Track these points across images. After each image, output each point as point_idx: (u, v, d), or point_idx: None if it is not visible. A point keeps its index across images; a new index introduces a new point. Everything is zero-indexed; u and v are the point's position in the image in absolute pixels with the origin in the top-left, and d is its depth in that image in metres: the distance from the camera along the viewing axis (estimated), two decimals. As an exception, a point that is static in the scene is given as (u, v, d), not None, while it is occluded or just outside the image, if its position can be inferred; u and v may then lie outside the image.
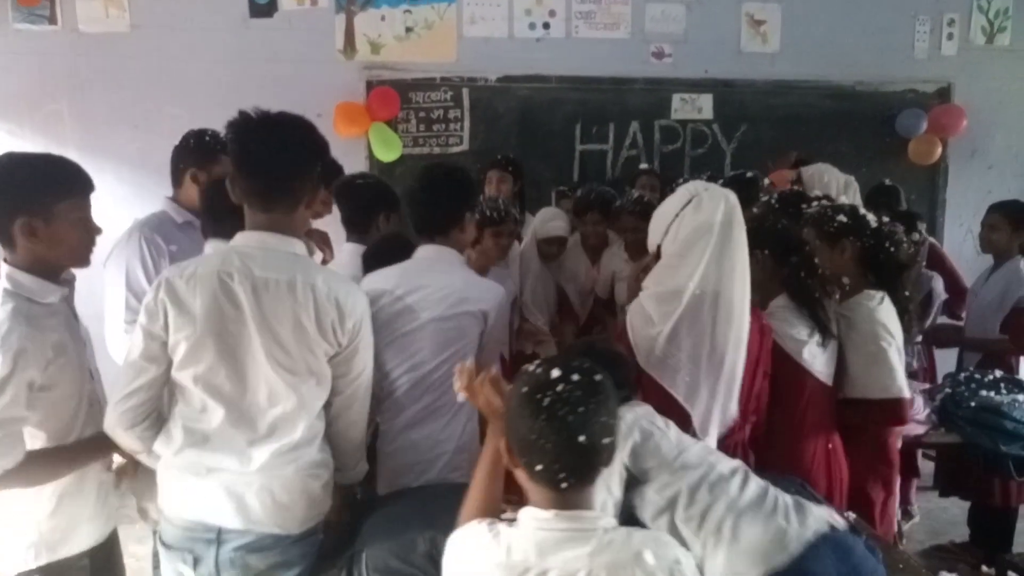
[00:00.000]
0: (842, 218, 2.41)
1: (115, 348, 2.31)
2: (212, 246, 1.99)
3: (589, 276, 3.55)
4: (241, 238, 1.66)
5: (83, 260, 1.73)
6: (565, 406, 1.25)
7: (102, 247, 1.87)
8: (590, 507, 1.31)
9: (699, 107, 4.57)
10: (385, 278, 2.07)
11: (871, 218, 2.44)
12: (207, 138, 2.50)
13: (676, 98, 4.55)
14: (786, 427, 2.20)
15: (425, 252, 2.13)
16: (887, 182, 3.84)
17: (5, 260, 1.66)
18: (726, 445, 2.06)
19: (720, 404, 1.99)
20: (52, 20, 4.08)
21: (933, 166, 4.72)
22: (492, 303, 2.09)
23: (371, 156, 4.31)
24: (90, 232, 1.73)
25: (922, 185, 4.69)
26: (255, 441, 1.62)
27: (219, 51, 4.15)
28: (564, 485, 1.27)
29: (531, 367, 1.35)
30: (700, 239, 1.96)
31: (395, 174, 4.38)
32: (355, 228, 2.65)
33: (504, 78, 4.39)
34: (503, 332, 2.37)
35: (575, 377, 1.28)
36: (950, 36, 4.72)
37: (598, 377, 1.31)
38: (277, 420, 1.63)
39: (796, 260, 2.25)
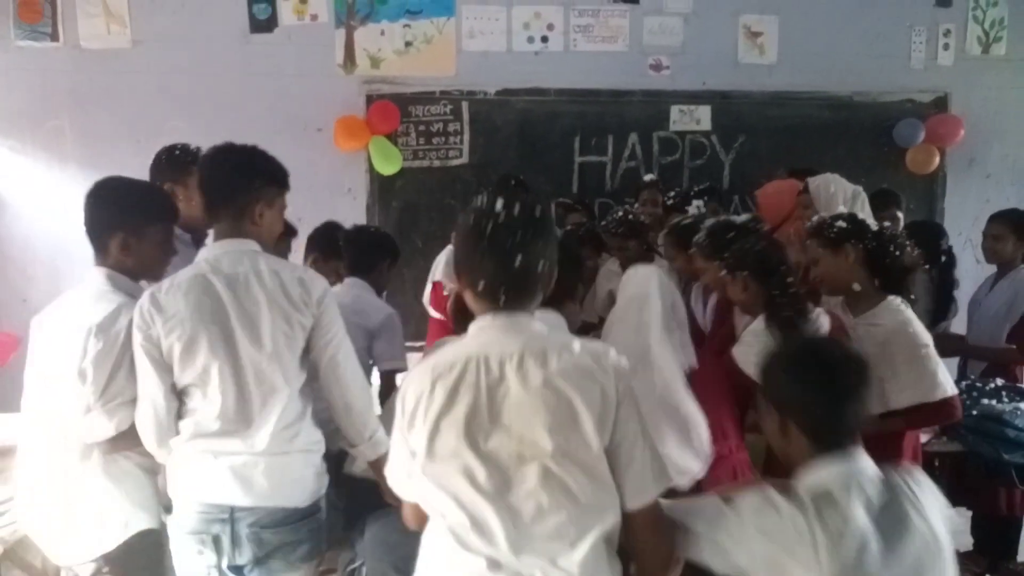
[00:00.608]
0: (841, 223, 2.41)
1: None
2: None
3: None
4: (204, 251, 1.88)
5: (159, 275, 1.96)
6: (504, 231, 1.33)
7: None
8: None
9: (697, 119, 4.60)
10: None
11: (871, 222, 2.44)
12: (177, 152, 2.64)
13: (674, 110, 4.57)
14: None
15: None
16: (887, 188, 3.85)
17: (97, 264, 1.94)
18: (719, 471, 2.09)
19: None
20: (54, 37, 4.11)
21: (931, 175, 4.73)
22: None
23: (371, 169, 4.33)
24: (168, 253, 2.02)
25: (920, 194, 4.70)
26: (255, 422, 1.76)
27: (220, 66, 4.18)
28: (503, 300, 1.36)
29: (476, 198, 1.42)
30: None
31: (395, 187, 4.41)
32: (358, 271, 2.81)
33: (503, 91, 4.42)
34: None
35: (516, 208, 1.36)
36: (946, 46, 4.74)
37: (538, 209, 1.39)
38: (267, 399, 1.77)
39: (775, 281, 2.28)
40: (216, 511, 1.77)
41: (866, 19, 4.62)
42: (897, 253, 2.39)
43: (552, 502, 1.30)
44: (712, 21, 4.52)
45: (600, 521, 1.32)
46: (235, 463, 1.76)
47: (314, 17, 4.27)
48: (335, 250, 2.94)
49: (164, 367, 1.76)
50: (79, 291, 1.92)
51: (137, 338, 1.76)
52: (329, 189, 3.98)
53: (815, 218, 2.59)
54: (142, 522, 1.92)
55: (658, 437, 1.94)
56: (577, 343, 1.36)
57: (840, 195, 3.11)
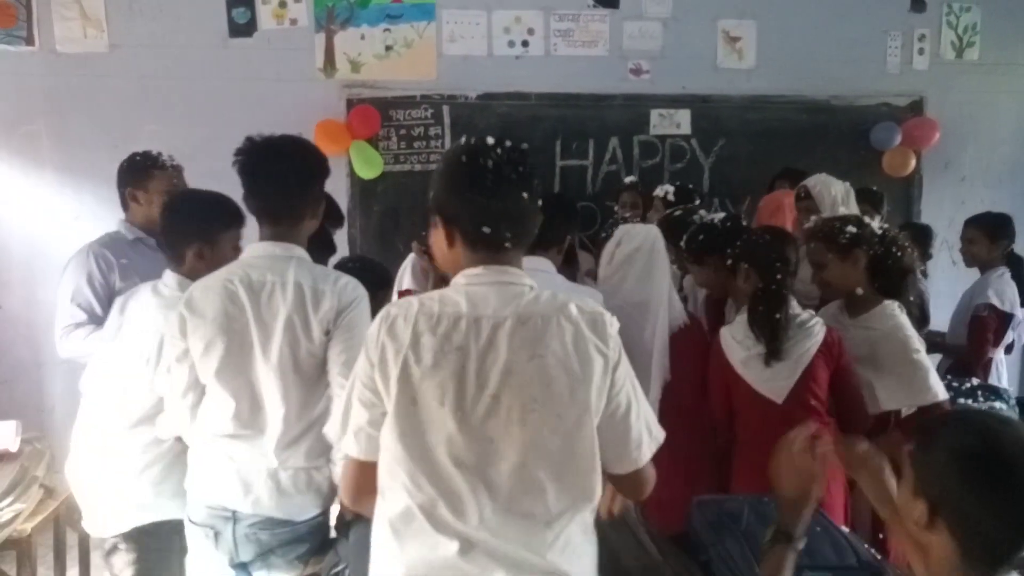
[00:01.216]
0: (852, 229, 2.42)
1: (59, 347, 2.64)
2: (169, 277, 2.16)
3: None
4: (249, 250, 1.89)
5: None
6: (508, 165, 1.29)
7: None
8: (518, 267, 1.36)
9: (677, 122, 4.63)
10: None
11: (876, 225, 2.47)
12: (137, 158, 2.77)
13: (654, 114, 4.60)
14: (753, 447, 2.22)
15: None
16: (874, 188, 3.89)
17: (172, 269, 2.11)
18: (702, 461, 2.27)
19: None
20: (29, 41, 4.06)
21: (908, 178, 4.79)
22: None
23: (352, 174, 4.32)
24: (237, 253, 2.08)
25: (897, 197, 4.75)
26: (266, 431, 1.81)
27: (198, 70, 4.15)
28: (508, 245, 1.32)
29: (459, 142, 1.37)
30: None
31: (376, 191, 4.39)
32: None
33: (484, 95, 4.42)
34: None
35: (507, 143, 1.33)
36: (921, 51, 4.81)
37: (524, 145, 1.36)
38: (271, 412, 1.80)
39: (778, 276, 2.29)
40: (220, 510, 1.83)
41: (843, 24, 4.68)
42: (899, 255, 2.43)
43: (534, 480, 1.23)
44: (691, 26, 4.56)
45: (582, 501, 1.28)
46: (242, 468, 1.82)
47: (294, 21, 4.26)
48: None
49: (189, 361, 1.84)
50: (155, 289, 2.10)
51: (174, 329, 1.85)
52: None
53: (817, 220, 2.62)
54: (161, 511, 2.03)
55: (646, 386, 2.03)
56: (574, 307, 1.29)
57: (839, 194, 3.14)
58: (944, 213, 4.76)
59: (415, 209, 4.40)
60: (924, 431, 1.22)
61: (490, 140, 1.32)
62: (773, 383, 2.26)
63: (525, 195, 1.31)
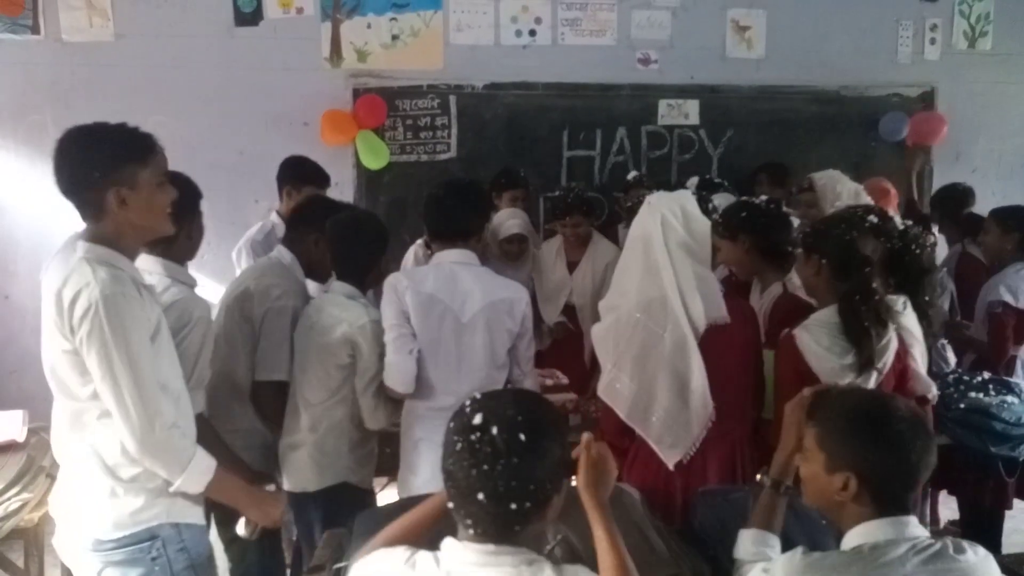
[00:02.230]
0: (872, 218, 2.37)
1: None
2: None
3: (566, 287, 3.56)
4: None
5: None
6: (471, 458, 1.19)
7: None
8: (511, 540, 1.24)
9: (685, 113, 4.59)
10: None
11: (898, 220, 2.45)
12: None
13: (662, 104, 4.56)
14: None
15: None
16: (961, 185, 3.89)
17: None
18: (721, 446, 2.12)
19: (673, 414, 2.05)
20: (35, 30, 4.05)
21: (918, 170, 4.75)
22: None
23: (358, 164, 4.30)
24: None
25: (907, 189, 4.71)
26: None
27: (204, 60, 4.13)
28: (471, 532, 1.24)
29: (468, 400, 1.28)
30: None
31: (383, 182, 4.38)
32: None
33: (491, 85, 4.39)
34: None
35: (494, 430, 1.20)
36: (933, 41, 4.76)
37: (523, 436, 1.20)
38: None
39: (855, 280, 2.12)
40: None
41: (853, 13, 4.63)
42: (918, 253, 2.41)
43: None
44: (700, 15, 4.52)
45: None
46: None
47: (300, 10, 4.23)
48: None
49: None
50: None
51: None
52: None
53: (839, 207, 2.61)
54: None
55: (652, 395, 2.04)
56: None
57: (844, 195, 3.11)
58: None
59: (421, 199, 4.32)
60: (819, 417, 1.44)
61: (477, 419, 1.21)
62: None
63: (481, 496, 1.19)
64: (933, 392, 2.41)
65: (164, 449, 1.68)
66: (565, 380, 3.07)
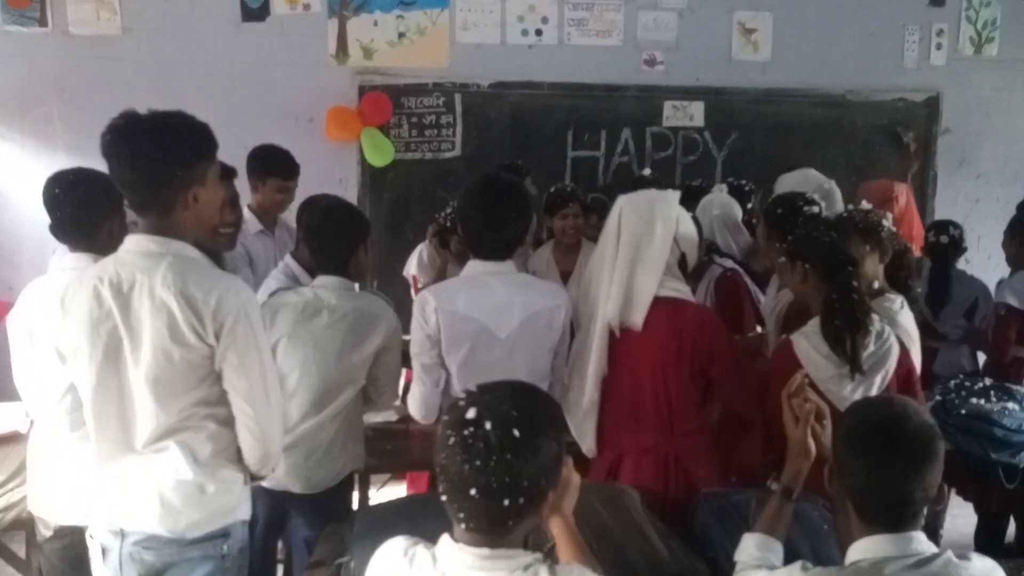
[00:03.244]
0: (887, 223, 2.43)
1: None
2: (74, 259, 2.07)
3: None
4: (125, 243, 1.69)
5: None
6: (465, 452, 1.18)
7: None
8: (506, 544, 1.24)
9: (690, 114, 4.59)
10: None
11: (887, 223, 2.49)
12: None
13: (668, 105, 4.56)
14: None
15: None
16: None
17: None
18: (647, 462, 2.14)
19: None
20: (43, 22, 4.06)
21: (923, 175, 4.76)
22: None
23: (363, 161, 4.31)
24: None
25: (912, 193, 4.72)
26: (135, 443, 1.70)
27: (211, 55, 4.14)
28: (463, 527, 1.23)
29: (464, 393, 1.28)
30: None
31: (387, 179, 4.39)
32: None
33: (496, 84, 4.40)
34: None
35: (488, 424, 1.19)
36: (939, 46, 4.76)
37: (517, 432, 1.18)
38: (145, 422, 1.68)
39: (838, 281, 2.09)
40: (110, 525, 1.73)
41: (860, 17, 4.63)
42: (903, 254, 2.47)
43: None
44: (706, 17, 4.52)
45: None
46: (122, 481, 1.71)
47: (307, 7, 4.24)
48: None
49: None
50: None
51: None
52: (320, 180, 3.93)
53: (842, 216, 2.59)
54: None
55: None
56: None
57: (810, 189, 3.07)
58: (958, 210, 4.70)
59: (425, 197, 4.39)
60: (839, 425, 1.46)
61: (471, 413, 1.21)
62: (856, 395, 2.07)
63: (473, 491, 1.18)
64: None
65: (279, 449, 1.77)
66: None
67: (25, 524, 2.33)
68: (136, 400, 1.65)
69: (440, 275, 3.25)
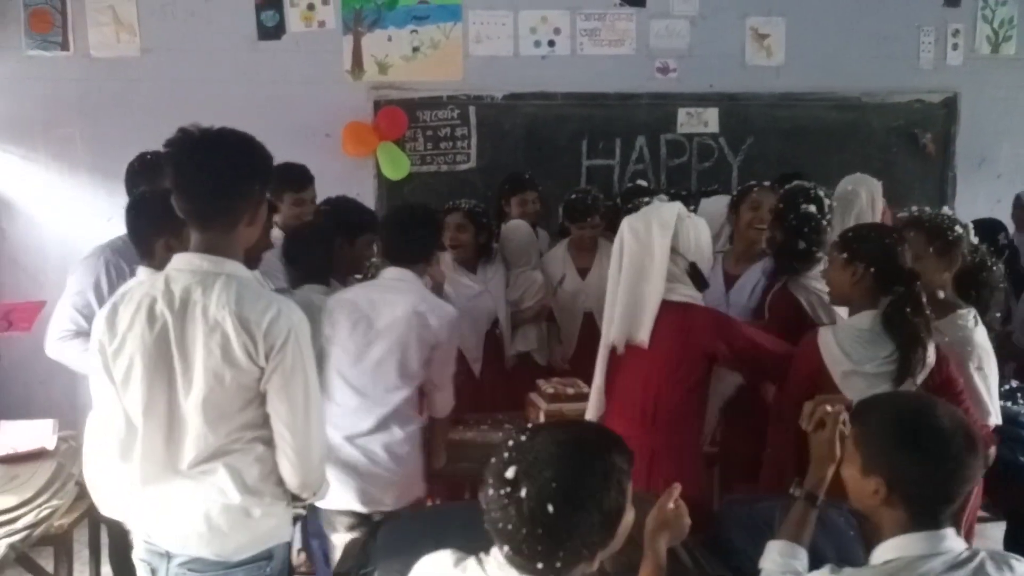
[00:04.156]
0: (959, 229, 2.36)
1: (50, 347, 2.60)
2: (142, 272, 2.07)
3: (581, 293, 3.53)
4: (174, 261, 1.67)
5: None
6: (499, 511, 1.17)
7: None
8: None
9: (705, 121, 4.59)
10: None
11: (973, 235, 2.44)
12: (149, 157, 2.72)
13: (682, 112, 4.56)
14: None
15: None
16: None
17: None
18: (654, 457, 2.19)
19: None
20: (64, 46, 4.14)
21: (941, 176, 4.71)
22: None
23: (379, 175, 4.34)
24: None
25: (931, 194, 4.67)
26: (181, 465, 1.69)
27: (229, 73, 4.20)
28: (540, 566, 1.19)
29: (513, 442, 1.24)
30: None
31: (403, 192, 4.41)
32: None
33: (510, 96, 4.42)
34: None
35: (523, 492, 1.16)
36: (955, 46, 4.72)
37: (552, 508, 1.15)
38: (193, 443, 1.66)
39: (902, 292, 2.04)
40: (155, 547, 1.72)
41: (874, 19, 4.61)
42: (994, 269, 2.44)
43: None
44: (719, 23, 4.52)
45: None
46: (171, 503, 1.70)
47: (322, 24, 4.29)
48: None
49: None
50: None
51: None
52: (337, 195, 3.98)
53: (912, 214, 2.53)
54: None
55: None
56: None
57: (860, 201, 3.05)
58: (978, 211, 4.62)
59: (442, 210, 4.40)
60: (862, 418, 1.43)
61: (510, 472, 1.18)
62: None
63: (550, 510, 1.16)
64: (991, 421, 2.30)
65: (321, 474, 1.76)
66: (586, 389, 3.07)
67: (54, 539, 2.36)
68: (184, 421, 1.64)
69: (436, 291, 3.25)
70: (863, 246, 2.13)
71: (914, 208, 2.60)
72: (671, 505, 1.49)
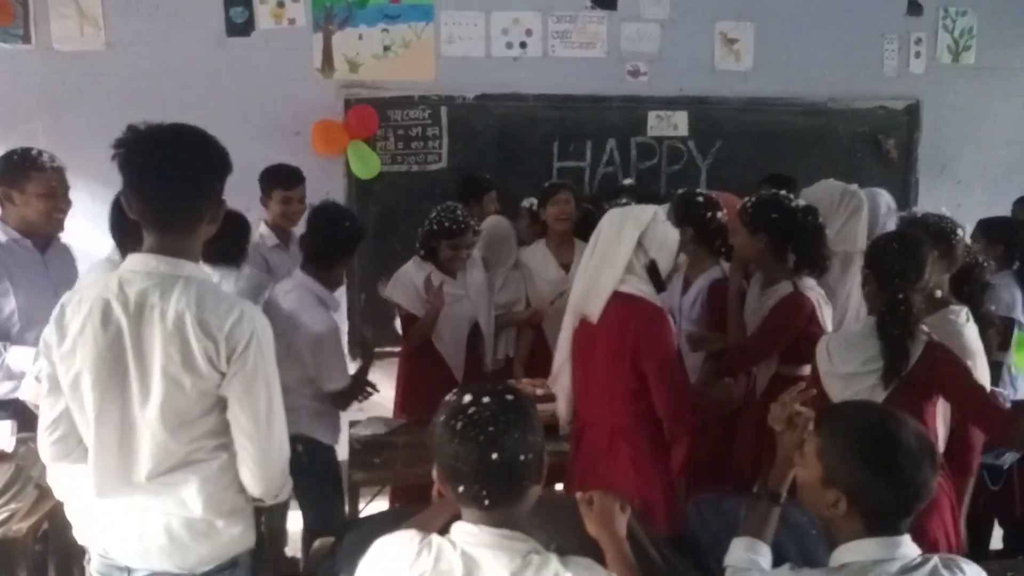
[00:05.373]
0: (960, 232, 2.47)
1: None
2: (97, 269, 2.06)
3: (564, 283, 3.53)
4: (128, 262, 1.60)
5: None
6: (475, 427, 1.32)
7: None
8: (518, 526, 1.36)
9: (674, 124, 4.63)
10: None
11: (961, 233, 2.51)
12: (15, 157, 2.70)
13: (652, 115, 4.60)
14: None
15: None
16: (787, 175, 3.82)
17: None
18: (596, 434, 2.36)
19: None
20: (26, 39, 4.04)
21: (904, 181, 4.82)
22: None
23: (349, 174, 4.31)
24: None
25: (894, 199, 4.77)
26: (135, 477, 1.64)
27: (196, 69, 4.13)
28: (487, 503, 1.34)
29: (449, 395, 1.41)
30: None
31: (373, 191, 4.39)
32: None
33: (482, 96, 4.42)
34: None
35: (485, 399, 1.35)
36: (917, 54, 4.83)
37: (509, 396, 1.37)
38: (148, 455, 1.62)
39: (897, 291, 2.12)
40: (113, 563, 1.68)
41: (840, 27, 4.70)
42: (984, 265, 2.51)
43: None
44: (689, 28, 4.57)
45: None
46: (130, 517, 1.65)
47: (292, 21, 4.25)
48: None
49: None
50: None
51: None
52: (307, 193, 3.94)
53: (914, 217, 2.65)
54: None
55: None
56: None
57: (826, 201, 3.10)
58: (940, 216, 4.78)
59: (412, 210, 4.37)
60: (826, 429, 1.44)
61: (466, 397, 1.37)
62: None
63: (495, 455, 1.31)
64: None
65: (282, 480, 1.70)
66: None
67: (12, 544, 2.30)
68: (141, 430, 1.58)
69: (432, 316, 3.25)
70: (869, 252, 2.27)
71: (915, 210, 2.68)
72: (596, 506, 1.62)
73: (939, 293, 2.37)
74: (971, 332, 2.35)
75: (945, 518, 2.13)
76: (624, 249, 2.28)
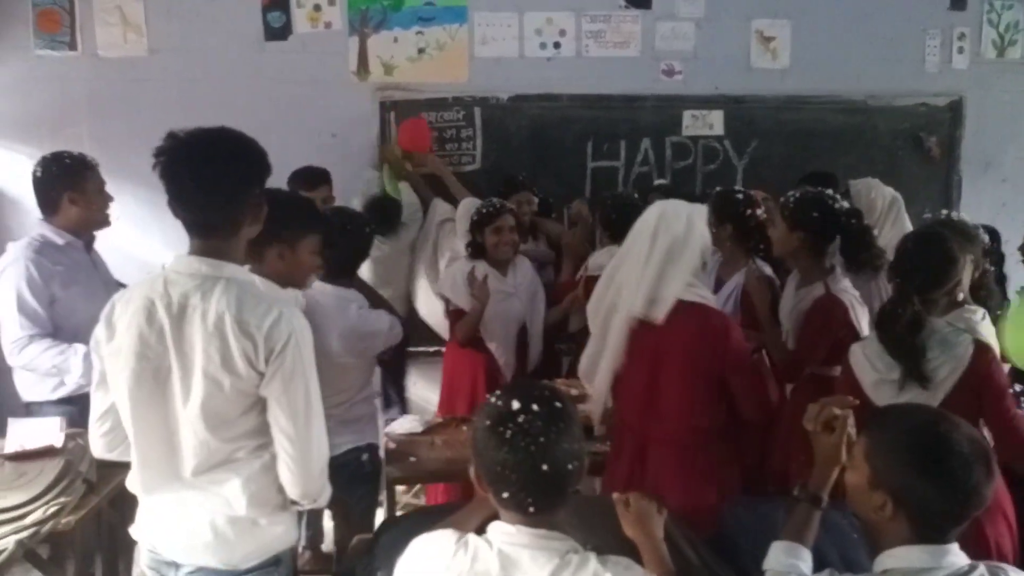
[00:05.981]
0: (984, 235, 2.49)
1: (12, 359, 2.64)
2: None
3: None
4: (173, 264, 1.65)
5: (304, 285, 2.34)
6: (527, 437, 1.30)
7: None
8: (556, 526, 1.37)
9: (710, 123, 4.59)
10: None
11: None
12: (67, 160, 2.77)
13: (687, 115, 4.56)
14: None
15: None
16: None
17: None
18: (668, 452, 2.27)
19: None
20: (72, 46, 4.16)
21: (947, 180, 4.71)
22: None
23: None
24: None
25: (936, 198, 4.68)
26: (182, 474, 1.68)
27: (235, 74, 4.22)
28: (531, 510, 1.34)
29: (492, 397, 1.39)
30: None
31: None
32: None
33: (515, 97, 4.43)
34: None
35: (535, 407, 1.33)
36: (961, 50, 4.72)
37: (558, 404, 1.35)
38: (191, 453, 1.65)
39: (900, 296, 2.12)
40: (161, 557, 1.72)
41: (879, 22, 4.61)
42: (995, 268, 2.53)
43: None
44: (724, 26, 4.52)
45: None
46: (178, 513, 1.70)
47: (328, 25, 4.30)
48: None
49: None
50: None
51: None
52: (343, 194, 3.99)
53: (938, 218, 2.64)
54: None
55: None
56: None
57: (879, 200, 3.10)
58: (983, 216, 4.60)
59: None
60: (876, 431, 1.41)
61: (515, 404, 1.34)
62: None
63: (545, 467, 1.31)
64: None
65: (321, 484, 1.71)
66: (589, 390, 3.08)
67: (61, 536, 2.37)
68: (183, 428, 1.62)
69: (477, 310, 3.26)
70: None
71: (943, 212, 2.67)
72: (632, 509, 1.63)
73: (960, 296, 2.36)
74: (989, 330, 2.32)
75: (1003, 525, 2.07)
76: (693, 256, 2.23)
